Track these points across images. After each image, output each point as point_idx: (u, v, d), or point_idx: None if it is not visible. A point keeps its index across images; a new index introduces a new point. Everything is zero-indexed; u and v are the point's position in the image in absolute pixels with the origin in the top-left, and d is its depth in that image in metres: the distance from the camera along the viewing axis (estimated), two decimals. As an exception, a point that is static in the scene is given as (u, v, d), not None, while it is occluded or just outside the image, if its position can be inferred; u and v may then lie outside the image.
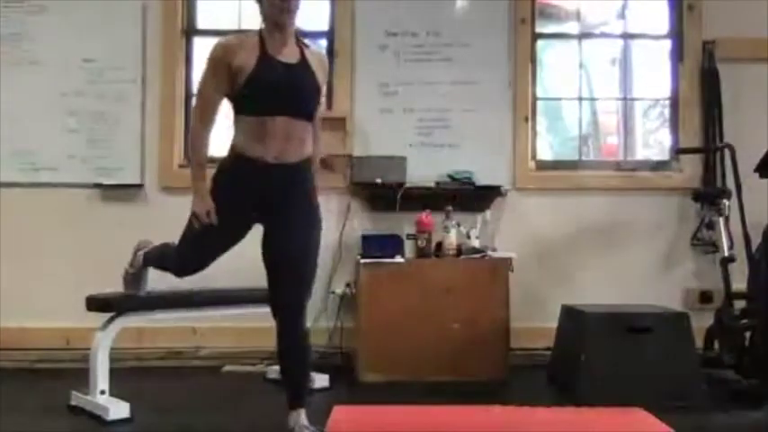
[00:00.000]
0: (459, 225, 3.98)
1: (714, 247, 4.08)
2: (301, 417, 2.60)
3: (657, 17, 4.49)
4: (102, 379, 3.03)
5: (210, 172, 2.63)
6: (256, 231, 2.66)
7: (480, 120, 4.29)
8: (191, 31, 4.41)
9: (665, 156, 4.51)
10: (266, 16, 2.57)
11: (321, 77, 2.68)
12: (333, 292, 4.16)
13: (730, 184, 3.90)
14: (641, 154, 4.67)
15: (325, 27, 4.37)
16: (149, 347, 4.12)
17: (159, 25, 4.29)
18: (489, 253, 3.91)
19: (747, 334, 3.56)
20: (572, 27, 4.55)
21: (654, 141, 4.72)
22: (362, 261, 3.81)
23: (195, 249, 2.72)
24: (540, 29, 4.45)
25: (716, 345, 3.72)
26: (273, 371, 3.62)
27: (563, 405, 3.22)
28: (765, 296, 3.42)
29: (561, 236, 4.31)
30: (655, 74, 4.53)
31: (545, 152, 4.56)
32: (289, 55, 2.59)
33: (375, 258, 3.80)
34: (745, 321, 3.57)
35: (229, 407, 3.24)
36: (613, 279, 4.22)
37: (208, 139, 2.62)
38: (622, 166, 4.43)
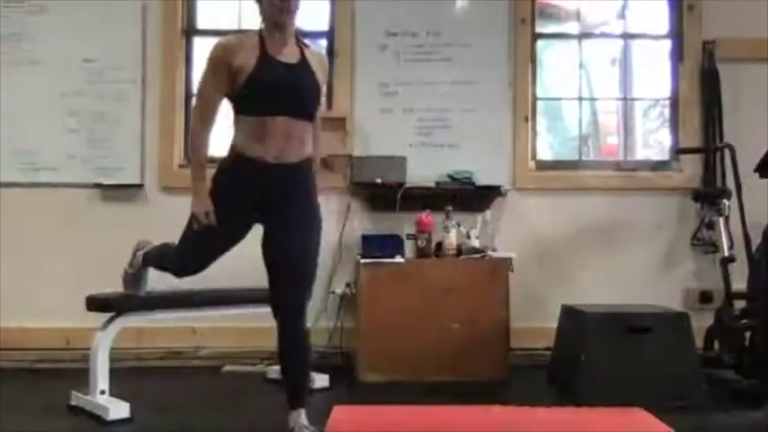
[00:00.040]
0: (459, 225, 3.98)
1: (714, 247, 4.08)
2: (301, 417, 2.60)
3: (657, 17, 4.49)
4: (102, 379, 3.03)
5: (210, 172, 2.63)
6: (256, 231, 2.66)
7: (480, 120, 4.29)
8: (191, 31, 4.41)
9: (665, 156, 4.51)
10: (266, 16, 2.57)
11: (321, 77, 2.68)
12: (333, 292, 4.16)
13: (730, 184, 3.90)
14: (641, 154, 4.67)
15: (325, 27, 4.37)
16: (149, 347, 4.12)
17: (159, 25, 4.29)
18: (489, 253, 3.91)
19: (747, 334, 3.56)
20: (572, 27, 4.55)
21: (654, 141, 4.72)
22: (362, 261, 3.81)
23: (195, 250, 2.72)
24: (540, 29, 4.45)
25: (716, 345, 3.72)
26: (273, 371, 3.62)
27: (563, 405, 3.22)
28: (765, 296, 3.42)
29: (561, 236, 4.31)
30: (655, 74, 4.52)
31: (545, 152, 4.56)
32: (289, 55, 2.59)
33: (375, 258, 3.80)
34: (745, 321, 3.57)
35: (229, 407, 3.24)
36: (613, 279, 4.22)
37: (208, 139, 2.62)
38: (622, 166, 4.43)
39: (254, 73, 2.51)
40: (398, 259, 3.83)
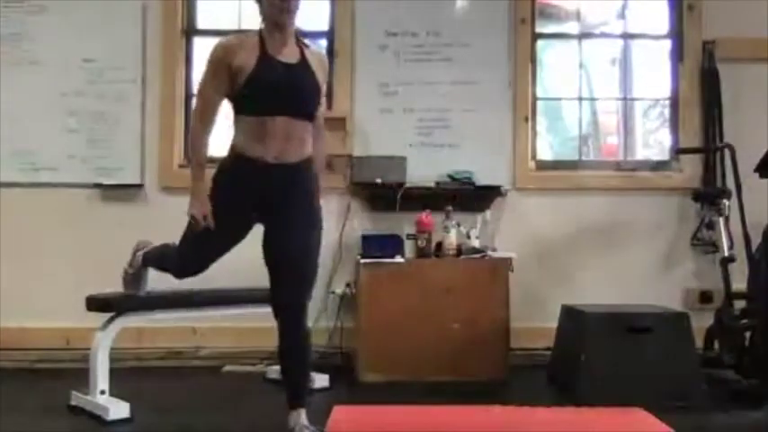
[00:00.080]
0: (459, 225, 3.98)
1: (714, 247, 4.08)
2: (302, 417, 2.60)
3: (657, 17, 4.49)
4: (102, 379, 3.03)
5: (210, 172, 2.63)
6: (257, 231, 2.66)
7: (480, 120, 4.29)
8: (191, 31, 4.41)
9: (665, 156, 4.51)
10: (266, 16, 2.57)
11: (321, 77, 2.68)
12: (333, 292, 4.16)
13: (730, 184, 3.90)
14: (641, 154, 4.67)
15: (325, 27, 4.37)
16: (149, 347, 4.12)
17: (159, 25, 4.29)
18: (489, 253, 3.91)
19: (747, 334, 3.56)
20: (572, 27, 4.55)
21: (654, 141, 4.72)
22: (362, 261, 3.81)
23: (196, 250, 2.72)
24: (540, 29, 4.45)
25: (716, 345, 3.72)
26: (273, 371, 3.62)
27: (563, 405, 3.22)
28: (765, 296, 3.42)
29: (561, 236, 4.31)
30: (655, 74, 4.52)
31: (545, 152, 4.56)
32: (289, 55, 2.59)
33: (375, 258, 3.80)
34: (745, 321, 3.57)
35: (229, 407, 3.24)
36: (613, 279, 4.22)
37: (208, 140, 2.63)
38: (622, 166, 4.43)
39: (254, 73, 2.51)
40: (398, 259, 3.83)
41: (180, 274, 2.83)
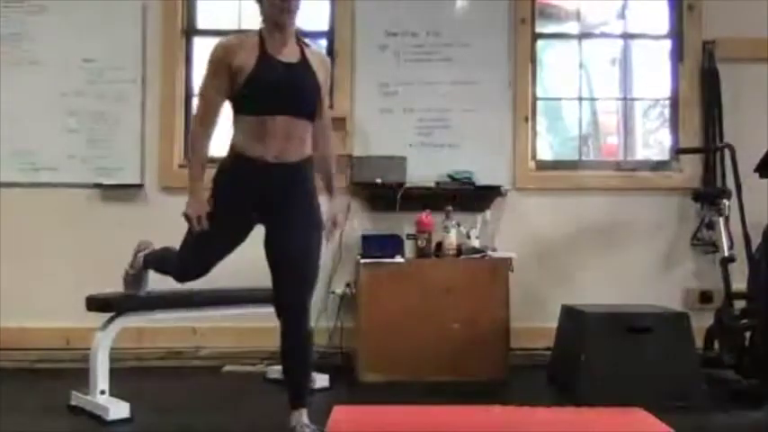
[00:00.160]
0: (459, 225, 3.98)
1: (714, 247, 4.08)
2: (303, 416, 2.60)
3: (657, 17, 4.49)
4: (102, 379, 3.03)
5: (210, 172, 2.63)
6: (258, 231, 2.66)
7: (480, 120, 4.29)
8: (191, 31, 4.41)
9: (665, 156, 4.51)
10: (266, 16, 2.57)
11: (323, 77, 2.67)
12: (333, 292, 4.16)
13: (730, 184, 3.90)
14: (641, 154, 4.67)
15: (325, 27, 4.37)
16: (149, 347, 4.12)
17: (159, 25, 4.29)
18: (489, 253, 3.91)
19: (747, 334, 3.56)
20: (572, 27, 4.55)
21: (654, 141, 4.72)
22: (362, 261, 3.81)
23: (197, 254, 2.70)
24: (540, 29, 4.45)
25: (716, 345, 3.72)
26: (274, 371, 3.63)
27: (563, 405, 3.22)
28: (765, 296, 3.42)
29: (561, 236, 4.31)
30: (655, 74, 4.53)
31: (545, 152, 4.56)
32: (289, 55, 2.59)
33: (375, 258, 3.80)
34: (745, 321, 3.57)
35: (229, 407, 3.24)
36: (613, 279, 4.22)
37: (208, 141, 2.62)
38: (622, 166, 4.44)
39: (253, 72, 2.51)
40: (398, 259, 3.83)
41: (181, 277, 2.82)
